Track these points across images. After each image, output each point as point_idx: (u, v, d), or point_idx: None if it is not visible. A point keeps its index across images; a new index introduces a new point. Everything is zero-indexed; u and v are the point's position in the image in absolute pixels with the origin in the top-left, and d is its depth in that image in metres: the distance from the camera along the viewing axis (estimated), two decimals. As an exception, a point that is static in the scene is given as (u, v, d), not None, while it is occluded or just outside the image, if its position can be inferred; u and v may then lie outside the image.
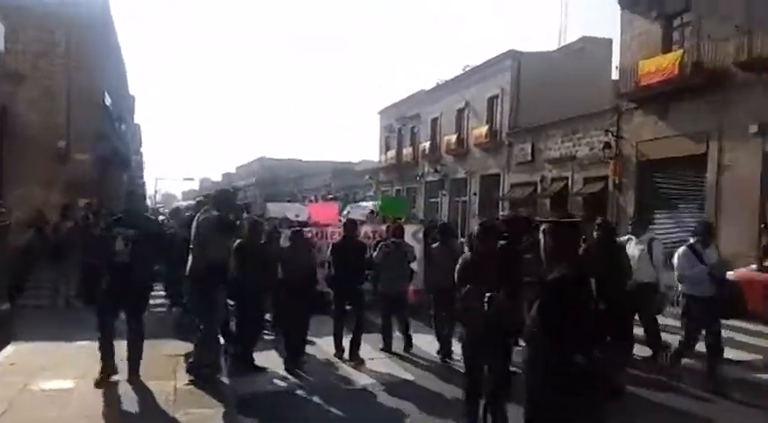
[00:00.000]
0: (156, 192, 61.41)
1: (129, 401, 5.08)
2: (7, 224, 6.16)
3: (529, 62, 25.27)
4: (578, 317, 3.09)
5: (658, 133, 17.18)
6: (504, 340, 4.44)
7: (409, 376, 6.58)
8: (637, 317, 6.98)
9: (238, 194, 34.68)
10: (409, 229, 9.32)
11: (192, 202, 13.17)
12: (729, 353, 6.65)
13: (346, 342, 7.24)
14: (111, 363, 5.50)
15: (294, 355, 6.79)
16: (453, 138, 28.95)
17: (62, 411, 4.79)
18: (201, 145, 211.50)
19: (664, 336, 7.26)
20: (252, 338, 6.79)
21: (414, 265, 8.24)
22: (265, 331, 7.61)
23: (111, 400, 5.08)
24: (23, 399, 5.08)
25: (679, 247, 6.55)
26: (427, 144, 31.58)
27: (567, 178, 21.25)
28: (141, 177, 46.71)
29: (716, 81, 15.09)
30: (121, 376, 5.53)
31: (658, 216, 17.02)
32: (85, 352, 6.08)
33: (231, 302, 6.75)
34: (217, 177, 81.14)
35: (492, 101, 26.87)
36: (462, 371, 5.00)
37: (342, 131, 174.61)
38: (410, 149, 34.07)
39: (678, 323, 6.73)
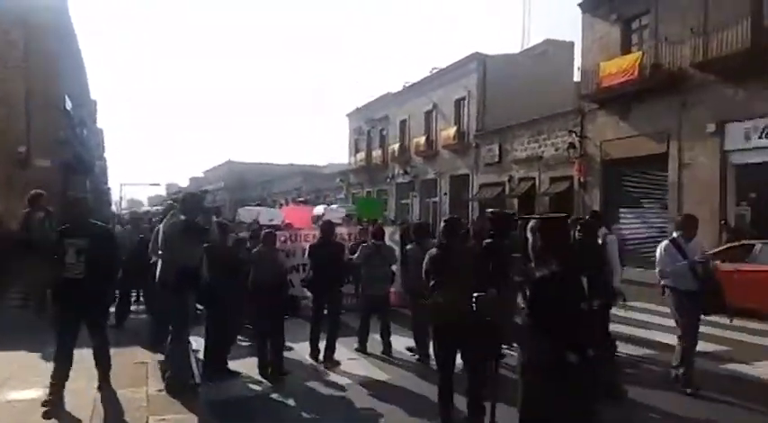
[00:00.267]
0: (121, 198, 60.22)
1: (101, 409, 4.95)
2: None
3: (494, 65, 25.67)
4: (569, 314, 3.06)
5: (621, 133, 17.61)
6: (485, 336, 4.45)
7: (386, 377, 6.59)
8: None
9: (207, 198, 34.22)
10: (386, 231, 9.35)
11: (160, 208, 12.73)
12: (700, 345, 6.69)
13: (323, 344, 7.20)
14: (61, 387, 5.08)
15: (275, 361, 6.61)
16: (422, 139, 29.19)
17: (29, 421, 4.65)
18: (168, 149, 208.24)
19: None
20: (225, 343, 6.69)
21: (393, 267, 8.24)
22: (240, 337, 7.51)
23: (82, 408, 4.93)
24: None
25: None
26: (396, 146, 31.71)
27: (533, 178, 21.60)
28: (106, 183, 45.59)
29: (674, 82, 15.56)
30: (92, 384, 5.38)
31: (624, 213, 17.49)
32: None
33: (200, 307, 6.65)
34: (184, 182, 79.79)
35: (459, 103, 27.18)
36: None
37: (308, 134, 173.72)
38: (380, 151, 34.15)
39: (672, 322, 6.53)
